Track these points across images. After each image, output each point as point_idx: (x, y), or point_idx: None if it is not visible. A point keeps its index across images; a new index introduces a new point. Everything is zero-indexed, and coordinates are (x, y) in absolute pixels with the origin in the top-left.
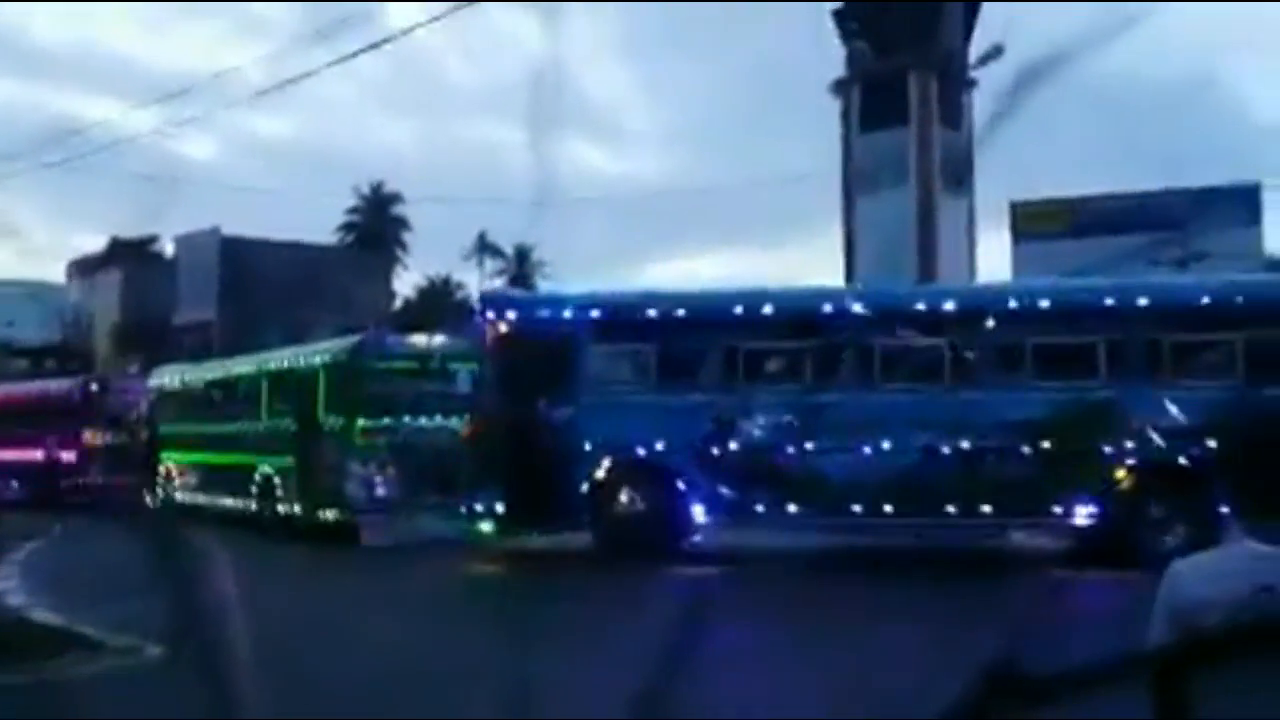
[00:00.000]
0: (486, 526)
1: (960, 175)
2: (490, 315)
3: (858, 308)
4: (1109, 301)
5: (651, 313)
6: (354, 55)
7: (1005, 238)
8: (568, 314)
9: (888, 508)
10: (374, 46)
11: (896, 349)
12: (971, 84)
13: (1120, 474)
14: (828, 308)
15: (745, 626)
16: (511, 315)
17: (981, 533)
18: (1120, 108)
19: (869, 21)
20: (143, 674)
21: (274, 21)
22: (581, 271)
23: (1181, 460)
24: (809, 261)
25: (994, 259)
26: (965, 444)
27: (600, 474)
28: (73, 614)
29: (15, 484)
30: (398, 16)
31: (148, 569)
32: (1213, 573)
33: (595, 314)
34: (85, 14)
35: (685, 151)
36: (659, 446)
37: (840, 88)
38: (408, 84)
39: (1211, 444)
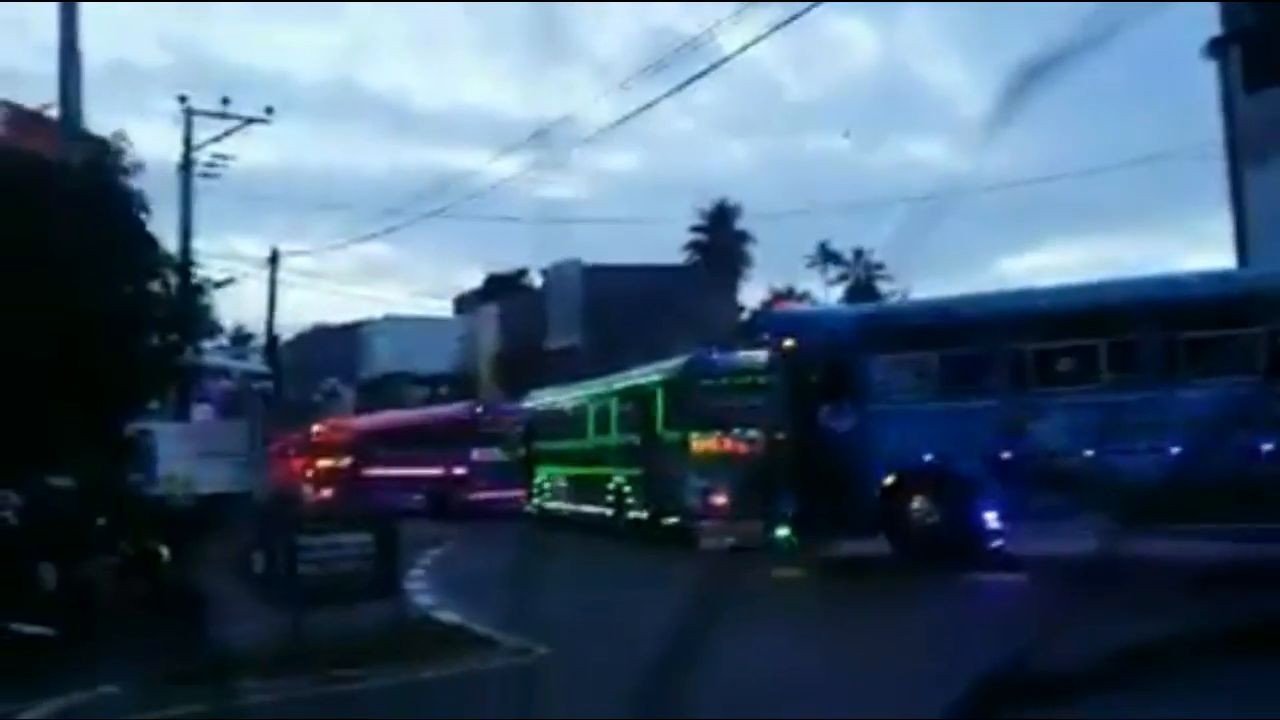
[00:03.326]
0: (784, 534)
1: None
2: (774, 333)
3: (1153, 298)
4: None
5: (930, 320)
6: (688, 83)
7: None
8: (847, 327)
9: (1203, 513)
10: (705, 73)
11: (1203, 341)
12: None
13: None
14: (1117, 300)
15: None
16: (793, 332)
17: None
18: None
19: None
20: (533, 672)
21: (619, 61)
22: (926, 272)
23: None
24: (1185, 246)
25: None
26: None
27: (889, 482)
28: (470, 614)
29: (418, 497)
30: (731, 42)
31: (530, 573)
32: None
33: (873, 325)
34: (454, 75)
35: (1034, 138)
36: (947, 453)
37: (1216, 48)
38: (744, 103)
39: None
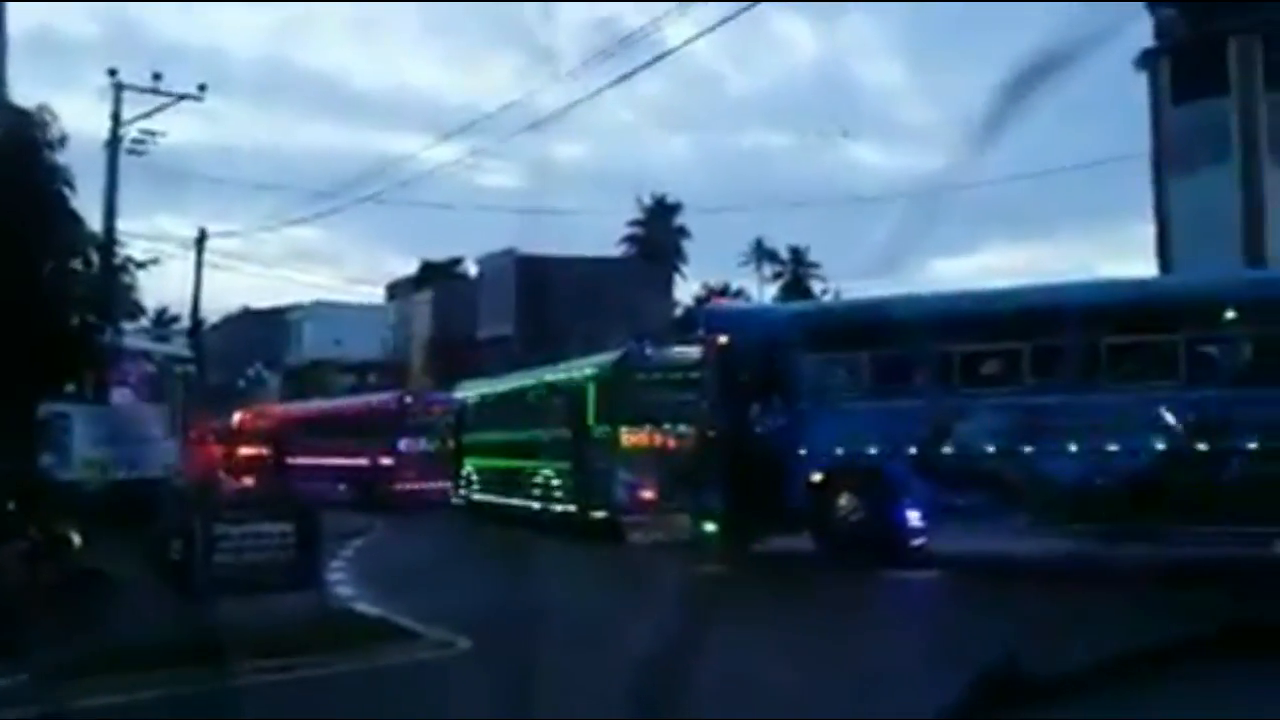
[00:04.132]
0: (711, 529)
1: None
2: (709, 329)
3: (1076, 303)
4: None
5: (860, 319)
6: (631, 74)
7: None
8: (781, 325)
9: (1120, 515)
10: (648, 64)
11: (1125, 346)
12: None
13: None
14: (1042, 305)
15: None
16: (727, 328)
17: (1240, 542)
18: None
19: None
20: (455, 665)
21: (563, 50)
22: (859, 271)
23: None
24: (1112, 252)
25: None
26: (1207, 446)
27: (817, 479)
28: (392, 606)
29: (342, 487)
30: (676, 36)
31: (454, 566)
32: None
33: (805, 324)
34: (396, 57)
35: (969, 144)
36: (874, 451)
37: (1147, 60)
38: (685, 97)
39: None
